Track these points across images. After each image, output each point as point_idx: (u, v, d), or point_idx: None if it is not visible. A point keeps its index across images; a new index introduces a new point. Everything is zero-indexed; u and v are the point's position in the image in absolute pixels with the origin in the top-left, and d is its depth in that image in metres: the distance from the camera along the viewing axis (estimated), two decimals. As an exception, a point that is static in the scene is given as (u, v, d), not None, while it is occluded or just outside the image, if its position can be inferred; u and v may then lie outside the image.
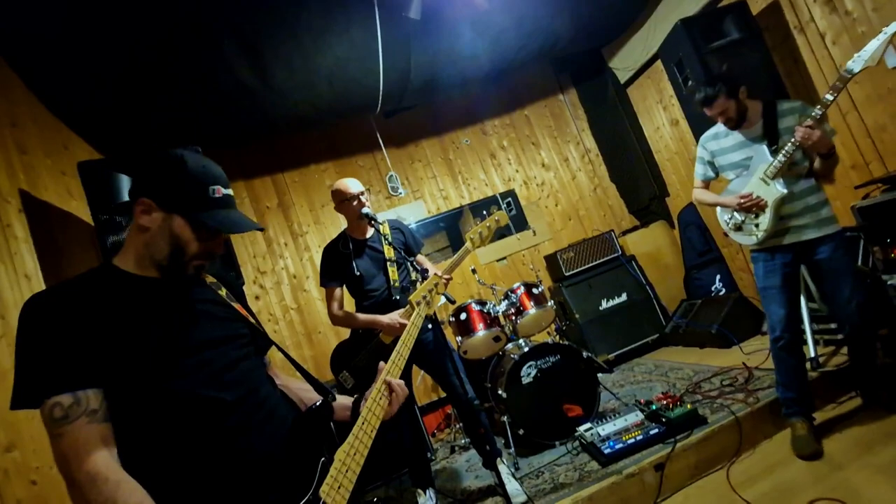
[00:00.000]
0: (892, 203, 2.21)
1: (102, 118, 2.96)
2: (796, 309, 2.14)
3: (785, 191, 2.02)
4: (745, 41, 2.93)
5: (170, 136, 3.19)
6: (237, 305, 1.14)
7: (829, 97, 1.86)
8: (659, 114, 4.32)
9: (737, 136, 2.18)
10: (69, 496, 0.84)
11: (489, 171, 4.77)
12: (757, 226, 2.12)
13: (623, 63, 4.43)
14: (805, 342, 2.55)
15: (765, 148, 2.08)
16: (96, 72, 2.58)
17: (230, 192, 1.05)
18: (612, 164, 4.91)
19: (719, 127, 2.25)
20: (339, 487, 0.95)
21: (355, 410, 1.14)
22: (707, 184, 2.38)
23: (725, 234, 2.30)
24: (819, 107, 1.89)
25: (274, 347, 1.21)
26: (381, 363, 1.22)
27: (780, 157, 2.00)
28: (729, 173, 2.25)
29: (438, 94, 4.31)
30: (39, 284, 2.09)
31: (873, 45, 1.80)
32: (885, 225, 2.25)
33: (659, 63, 3.82)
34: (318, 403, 1.07)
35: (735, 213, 2.19)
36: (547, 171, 4.87)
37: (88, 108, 2.85)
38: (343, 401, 1.19)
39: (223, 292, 1.14)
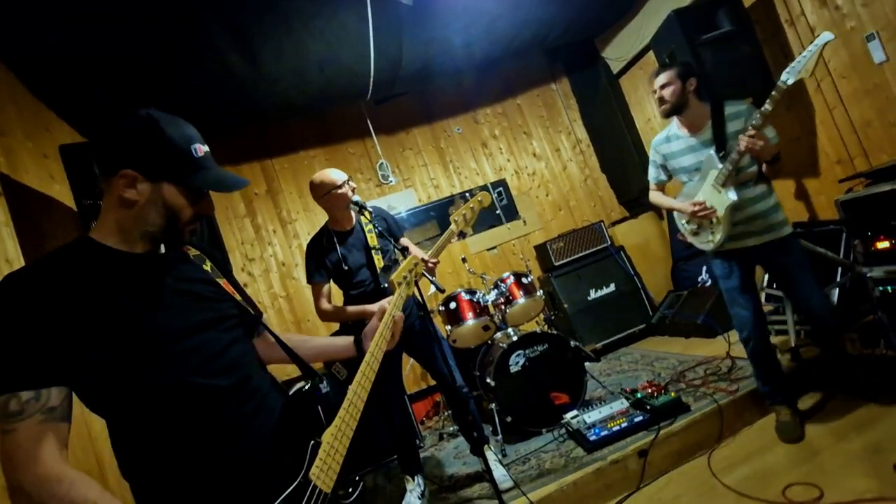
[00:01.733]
0: (875, 197, 2.25)
1: (85, 101, 2.89)
2: (759, 308, 2.17)
3: (735, 198, 2.01)
4: (737, 34, 2.93)
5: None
6: (223, 281, 1.10)
7: (768, 107, 1.83)
8: (650, 105, 4.33)
9: (687, 140, 2.17)
10: (9, 494, 0.78)
11: (480, 161, 4.76)
12: (713, 233, 2.14)
13: (616, 53, 4.43)
14: (786, 332, 2.61)
15: (713, 153, 2.07)
16: (80, 54, 2.51)
17: (207, 147, 1.00)
18: (603, 154, 4.92)
19: (670, 130, 2.25)
20: (327, 469, 0.97)
21: (359, 348, 1.22)
22: (661, 187, 2.38)
23: (682, 238, 2.32)
24: (758, 115, 1.87)
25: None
26: (365, 331, 1.27)
27: (727, 164, 2.00)
28: (682, 176, 2.25)
29: (430, 82, 4.27)
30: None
31: (805, 56, 1.79)
32: (866, 219, 2.29)
33: (651, 54, 3.81)
34: (306, 387, 1.07)
35: (691, 221, 2.21)
36: (538, 161, 4.88)
37: (71, 90, 2.77)
38: (342, 341, 1.29)
39: (208, 266, 1.10)
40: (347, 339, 1.29)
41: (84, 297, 0.86)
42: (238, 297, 1.11)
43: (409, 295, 1.51)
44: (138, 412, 0.89)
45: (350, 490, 1.05)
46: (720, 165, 2.04)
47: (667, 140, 2.26)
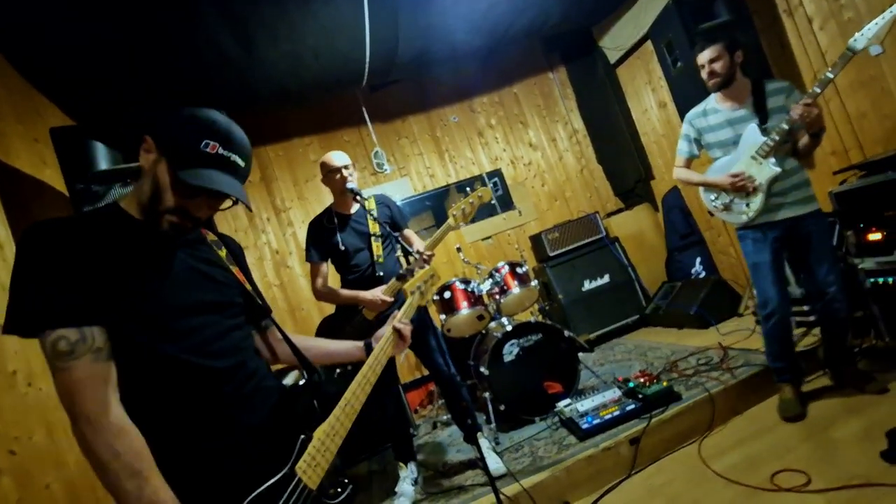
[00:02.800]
0: (868, 189, 2.25)
1: (77, 85, 2.84)
2: (785, 285, 2.20)
3: (779, 169, 2.05)
4: (735, 23, 2.92)
5: (146, 105, 3.09)
6: (236, 270, 1.11)
7: (830, 74, 1.88)
8: (647, 95, 4.32)
9: (725, 114, 2.19)
10: (73, 433, 0.83)
11: (476, 150, 4.74)
12: (748, 205, 2.13)
13: (613, 43, 4.40)
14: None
15: (755, 126, 2.10)
16: (71, 37, 2.46)
17: (231, 154, 0.94)
18: (600, 145, 4.91)
19: (707, 104, 2.26)
20: (315, 465, 0.97)
21: (369, 353, 1.23)
22: (689, 162, 2.36)
23: (711, 214, 2.32)
24: (818, 83, 1.91)
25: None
26: (378, 333, 1.29)
27: (773, 135, 2.02)
28: (715, 151, 2.26)
29: (427, 70, 4.23)
30: (12, 252, 2.03)
31: (878, 23, 1.79)
32: (859, 210, 2.30)
33: (649, 44, 3.80)
34: (303, 381, 1.07)
35: (723, 193, 2.20)
36: (534, 150, 4.86)
37: (62, 74, 2.72)
38: (353, 344, 1.29)
39: (223, 253, 1.11)
40: (357, 344, 1.30)
41: (104, 253, 0.89)
42: (248, 286, 1.12)
43: (420, 305, 1.53)
44: (132, 381, 0.90)
45: (339, 490, 1.04)
46: (763, 138, 2.06)
47: (703, 114, 2.25)
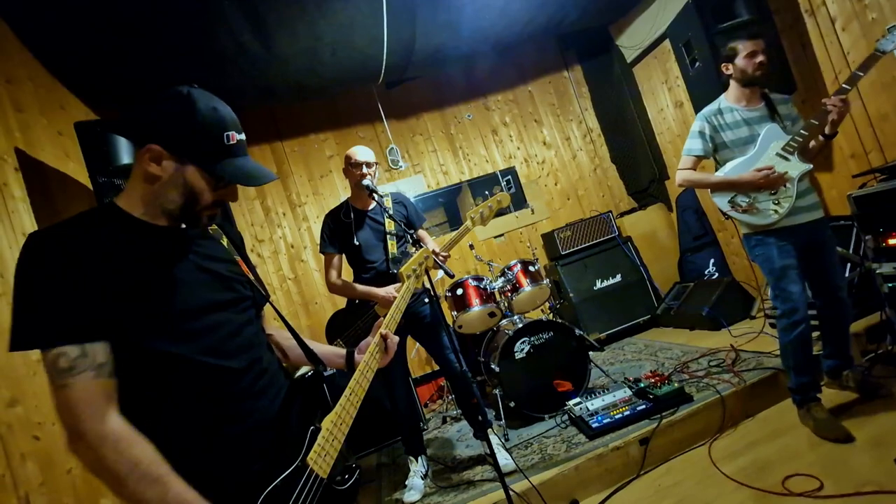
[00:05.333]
0: (888, 193, 2.22)
1: (99, 77, 2.91)
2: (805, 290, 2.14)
3: (810, 165, 2.04)
4: (756, 23, 2.89)
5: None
6: (238, 260, 1.11)
7: (861, 72, 1.90)
8: (664, 95, 4.28)
9: (742, 113, 2.17)
10: (70, 449, 0.81)
11: (490, 148, 4.74)
12: (778, 202, 2.06)
13: (630, 41, 4.36)
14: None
15: (777, 125, 2.10)
16: (94, 29, 2.51)
17: (243, 136, 0.98)
18: (614, 144, 4.89)
19: (721, 103, 2.22)
20: (325, 455, 0.99)
21: (350, 362, 1.20)
22: (698, 163, 2.25)
23: (727, 218, 2.21)
24: (848, 80, 1.94)
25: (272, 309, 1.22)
26: (376, 324, 1.24)
27: (802, 131, 2.03)
28: (727, 152, 2.19)
29: (442, 67, 4.25)
30: (38, 245, 2.09)
31: None
32: (878, 214, 2.27)
33: (667, 43, 3.77)
34: (310, 373, 1.09)
35: (741, 194, 2.12)
36: (548, 149, 4.85)
37: (85, 65, 2.78)
38: (335, 350, 1.25)
39: (225, 242, 1.11)
40: (340, 352, 1.27)
41: (110, 259, 0.86)
42: (251, 276, 1.12)
43: (417, 288, 1.53)
44: (144, 386, 0.89)
45: (346, 477, 1.06)
46: (787, 135, 2.06)
47: (719, 112, 2.20)
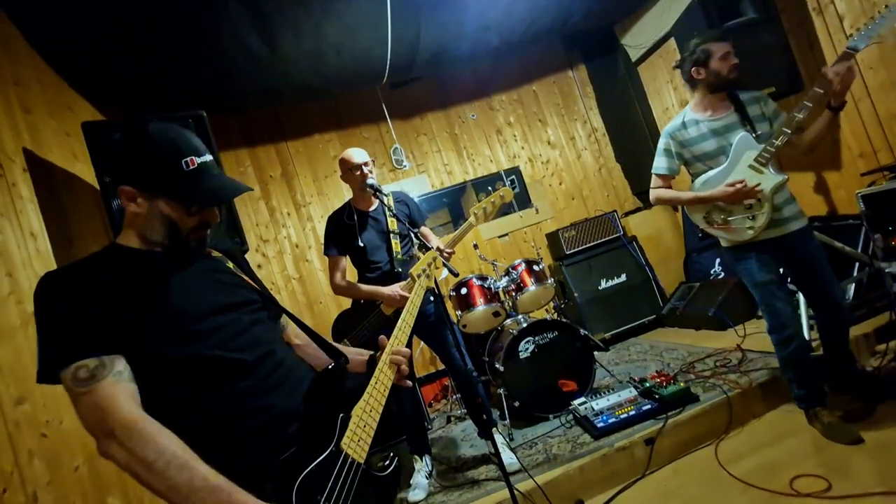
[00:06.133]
0: (897, 192, 2.21)
1: (106, 79, 2.93)
2: (795, 304, 2.10)
3: (785, 176, 1.92)
4: (762, 22, 2.87)
5: (173, 100, 3.16)
6: (245, 277, 1.15)
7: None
8: (669, 94, 4.26)
9: (708, 124, 2.05)
10: (101, 452, 0.83)
11: (494, 148, 4.74)
12: (753, 217, 1.97)
13: (635, 41, 4.35)
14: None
15: (747, 134, 1.97)
16: (100, 31, 2.53)
17: (206, 157, 1.00)
18: (619, 144, 4.87)
19: (685, 115, 2.13)
20: (358, 440, 1.00)
21: (371, 366, 1.20)
22: (669, 181, 2.19)
23: (702, 238, 2.20)
24: (855, 42, 1.81)
25: (285, 315, 1.24)
26: (382, 336, 1.22)
27: (776, 140, 1.89)
28: (698, 166, 2.11)
29: (447, 67, 4.24)
30: (45, 243, 2.10)
31: (879, 24, 1.74)
32: (887, 213, 2.25)
33: (672, 42, 3.75)
34: (332, 365, 1.11)
35: (717, 210, 2.05)
36: (553, 149, 4.84)
37: (92, 67, 2.80)
38: (357, 355, 1.26)
39: (230, 265, 1.15)
40: (362, 357, 1.26)
41: (117, 285, 0.93)
42: (257, 287, 1.16)
43: (428, 287, 1.54)
44: (163, 389, 0.92)
45: (387, 463, 1.08)
46: (760, 144, 1.94)
47: (683, 126, 2.12)
